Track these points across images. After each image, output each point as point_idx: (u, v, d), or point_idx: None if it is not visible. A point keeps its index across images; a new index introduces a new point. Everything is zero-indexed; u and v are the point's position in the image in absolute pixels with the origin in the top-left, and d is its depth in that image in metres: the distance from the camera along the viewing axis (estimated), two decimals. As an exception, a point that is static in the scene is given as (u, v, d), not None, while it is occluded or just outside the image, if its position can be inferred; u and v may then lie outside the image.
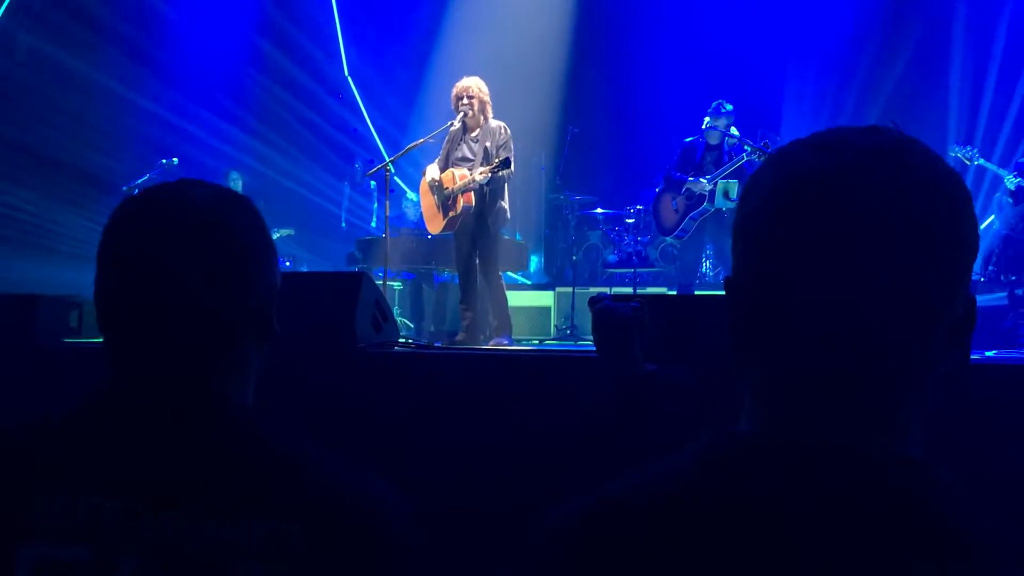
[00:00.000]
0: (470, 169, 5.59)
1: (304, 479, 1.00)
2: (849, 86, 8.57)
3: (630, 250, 8.06)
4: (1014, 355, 4.63)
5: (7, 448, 1.06)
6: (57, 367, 3.34)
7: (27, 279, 7.25)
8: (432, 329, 7.28)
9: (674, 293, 6.94)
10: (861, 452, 0.76)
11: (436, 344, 5.75)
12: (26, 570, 0.98)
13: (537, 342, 7.00)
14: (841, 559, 0.72)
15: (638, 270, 7.94)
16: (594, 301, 2.21)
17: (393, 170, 5.89)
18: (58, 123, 8.61)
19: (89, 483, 0.99)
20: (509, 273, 7.31)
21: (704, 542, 0.74)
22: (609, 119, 9.17)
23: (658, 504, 0.77)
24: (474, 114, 5.64)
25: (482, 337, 5.71)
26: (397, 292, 7.62)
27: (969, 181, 6.78)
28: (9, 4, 8.58)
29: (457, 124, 5.72)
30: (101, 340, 1.11)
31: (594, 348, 2.23)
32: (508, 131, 5.66)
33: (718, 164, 6.44)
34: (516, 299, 6.75)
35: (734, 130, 6.49)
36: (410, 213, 8.18)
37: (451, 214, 5.66)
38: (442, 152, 5.86)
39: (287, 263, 8.26)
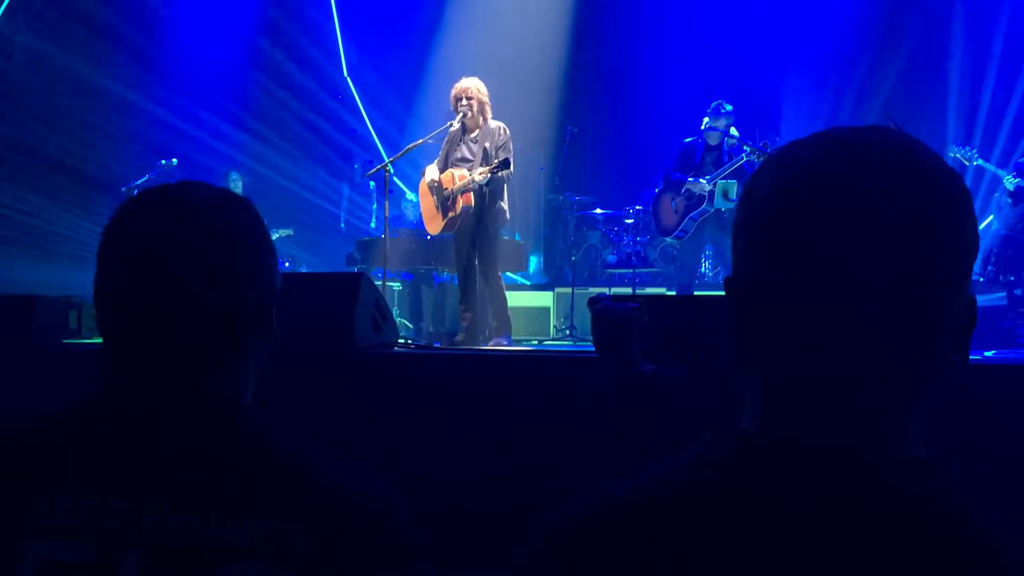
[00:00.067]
0: (469, 170, 5.59)
1: (304, 479, 1.00)
2: (848, 86, 8.58)
3: (629, 250, 8.07)
4: (1013, 355, 4.63)
5: (8, 448, 1.06)
6: (56, 367, 3.34)
7: (26, 280, 7.24)
8: (431, 330, 7.28)
9: (673, 293, 6.94)
10: (862, 452, 0.76)
11: (435, 344, 5.75)
12: (28, 570, 0.98)
13: (536, 342, 7.00)
14: (842, 559, 0.72)
15: (637, 270, 7.94)
16: (593, 301, 2.21)
17: (392, 171, 5.89)
18: (57, 124, 8.61)
19: (90, 483, 0.99)
20: (508, 273, 7.31)
21: (704, 542, 0.74)
22: (608, 119, 9.17)
23: (658, 504, 0.77)
24: (473, 115, 5.65)
25: (481, 337, 5.71)
26: (396, 293, 7.62)
27: (968, 181, 6.75)
28: (8, 5, 8.58)
29: (456, 125, 5.72)
30: (100, 341, 1.11)
31: (593, 348, 2.23)
32: (507, 131, 5.66)
33: (718, 164, 6.44)
34: (515, 299, 6.75)
35: (733, 130, 6.49)
36: (409, 214, 8.18)
37: (450, 215, 5.66)
38: (441, 153, 5.86)
39: (286, 263, 8.26)
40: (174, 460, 1.00)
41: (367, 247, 7.54)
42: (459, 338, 5.68)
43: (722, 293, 0.85)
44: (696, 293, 6.50)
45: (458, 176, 5.60)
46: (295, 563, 0.95)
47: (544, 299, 7.77)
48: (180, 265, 1.04)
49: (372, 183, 8.83)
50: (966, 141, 7.38)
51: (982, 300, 5.60)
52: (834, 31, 8.46)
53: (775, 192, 0.78)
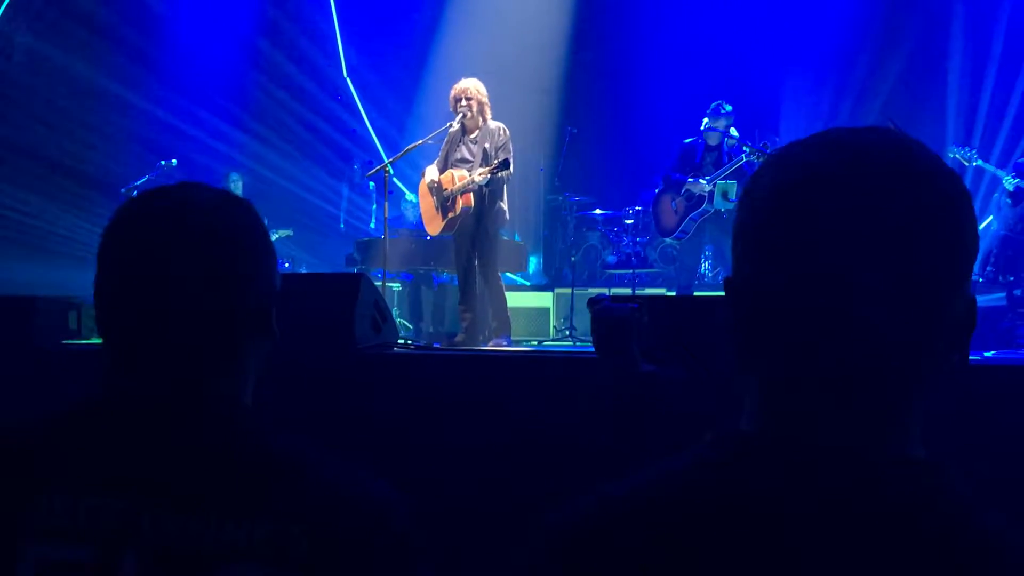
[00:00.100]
0: (469, 170, 5.59)
1: (303, 480, 1.00)
2: (847, 86, 8.58)
3: (629, 251, 8.07)
4: (1012, 355, 4.63)
5: (8, 449, 1.06)
6: (55, 368, 3.34)
7: (25, 280, 7.25)
8: (431, 330, 7.28)
9: (673, 294, 6.94)
10: (862, 453, 0.76)
11: (435, 345, 5.75)
12: (28, 570, 0.98)
13: (536, 343, 7.00)
14: (841, 561, 0.72)
15: (637, 271, 7.94)
16: (593, 302, 2.21)
17: (392, 171, 5.89)
18: (57, 124, 8.61)
19: (90, 484, 0.99)
20: (508, 274, 7.32)
21: (704, 543, 0.74)
22: (607, 120, 9.17)
23: (658, 505, 0.77)
24: (473, 115, 5.65)
25: (481, 338, 5.71)
26: (396, 293, 7.62)
27: (967, 182, 6.72)
28: (8, 5, 8.58)
29: (456, 125, 5.72)
30: (100, 341, 1.11)
31: (593, 349, 2.23)
32: (507, 132, 5.67)
33: (717, 165, 6.44)
34: (515, 300, 6.75)
35: (733, 131, 6.49)
36: (409, 214, 8.18)
37: (450, 215, 5.66)
38: (441, 153, 5.87)
39: (286, 264, 8.26)
40: (173, 461, 1.00)
41: (367, 248, 7.54)
42: (459, 339, 5.68)
43: (722, 294, 0.85)
44: (696, 294, 6.50)
45: (458, 177, 5.60)
46: (295, 564, 0.95)
47: (544, 300, 7.77)
48: (180, 266, 1.04)
49: (372, 184, 8.83)
50: (965, 141, 7.38)
51: (981, 301, 5.58)
52: (834, 32, 8.47)
53: (775, 193, 0.78)
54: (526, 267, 8.38)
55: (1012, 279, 5.87)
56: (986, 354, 4.21)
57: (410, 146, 6.03)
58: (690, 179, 6.42)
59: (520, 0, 9.21)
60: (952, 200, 0.76)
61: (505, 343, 5.54)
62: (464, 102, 5.63)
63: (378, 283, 5.34)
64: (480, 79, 5.82)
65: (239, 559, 0.95)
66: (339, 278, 4.02)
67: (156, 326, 1.05)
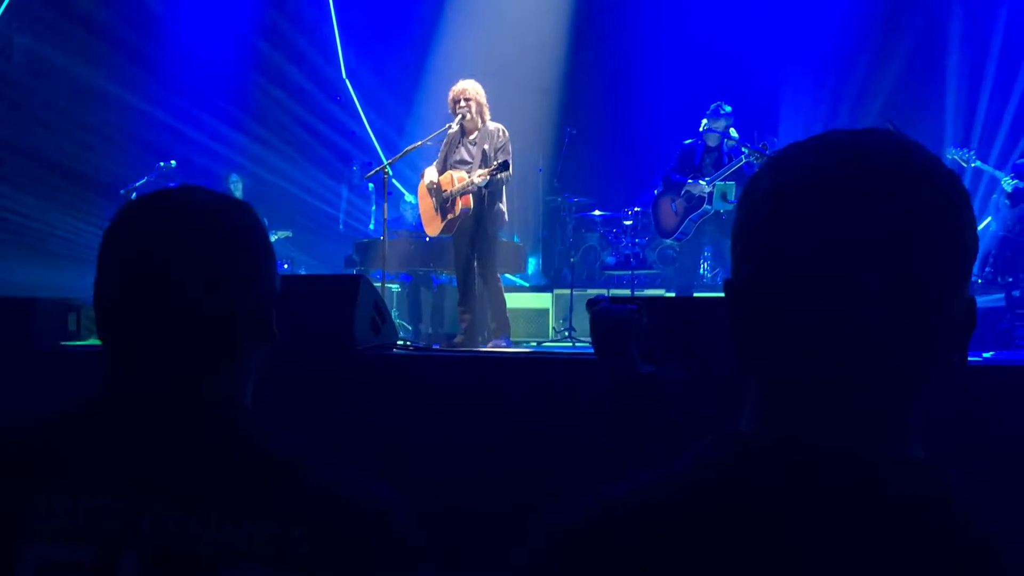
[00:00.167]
0: (468, 172, 5.59)
1: (303, 482, 1.00)
2: (846, 88, 8.59)
3: (628, 252, 8.07)
4: (1011, 356, 4.63)
5: (8, 450, 1.06)
6: (55, 370, 3.33)
7: (25, 282, 7.25)
8: (430, 331, 7.28)
9: (672, 295, 6.94)
10: (862, 454, 0.76)
11: (434, 346, 5.75)
12: (28, 571, 0.98)
13: (535, 344, 6.99)
14: (841, 562, 0.72)
15: (636, 272, 7.94)
16: (592, 303, 2.21)
17: (391, 173, 5.89)
18: (56, 126, 8.61)
19: (90, 485, 1.00)
20: (507, 275, 7.31)
21: (704, 544, 0.74)
22: (607, 121, 9.18)
23: (657, 506, 0.77)
24: (472, 116, 5.65)
25: (480, 339, 5.71)
26: (395, 294, 7.62)
27: (966, 183, 6.74)
28: (7, 6, 8.58)
29: (455, 127, 5.72)
30: (99, 343, 1.11)
31: (592, 350, 2.23)
32: (506, 133, 5.67)
33: (717, 166, 6.44)
34: (514, 301, 6.75)
35: (733, 132, 6.49)
36: (408, 215, 8.18)
37: (449, 217, 5.66)
38: (440, 155, 5.87)
39: (285, 265, 8.26)
40: (174, 462, 1.01)
41: (366, 249, 7.54)
42: (458, 340, 5.68)
43: (721, 295, 0.85)
44: (695, 295, 6.51)
45: (457, 178, 5.60)
46: (294, 565, 0.95)
47: (543, 301, 7.77)
48: (180, 268, 1.04)
49: (371, 185, 8.83)
50: (964, 142, 7.39)
51: (980, 301, 5.59)
52: (833, 33, 8.48)
53: (774, 195, 0.78)
54: (525, 268, 8.38)
55: (1011, 280, 5.88)
56: (985, 355, 4.21)
57: (409, 147, 6.03)
58: (690, 180, 6.43)
59: (519, 1, 9.21)
60: (951, 201, 0.76)
61: (504, 344, 5.54)
62: (463, 103, 5.63)
63: (377, 284, 5.34)
64: (479, 80, 5.83)
65: (239, 560, 0.95)
66: (338, 279, 4.02)
67: (156, 328, 1.05)
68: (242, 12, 9.67)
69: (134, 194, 7.38)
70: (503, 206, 5.67)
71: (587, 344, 3.58)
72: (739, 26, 8.84)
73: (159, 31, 9.42)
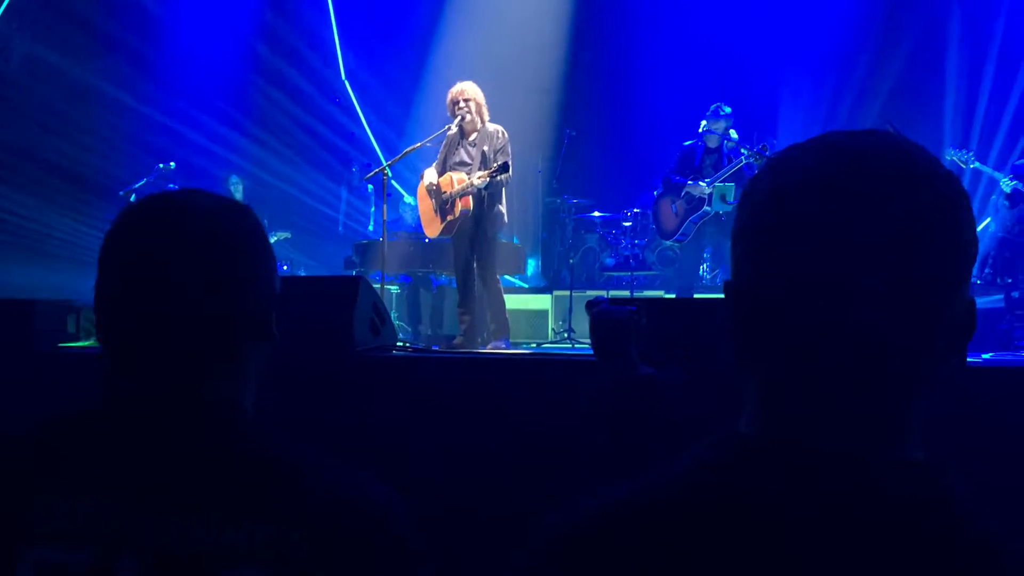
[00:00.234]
0: (468, 173, 5.59)
1: (303, 484, 1.00)
2: (846, 89, 8.59)
3: (627, 253, 8.06)
4: (1010, 357, 4.63)
5: (8, 452, 1.06)
6: (54, 371, 3.33)
7: (24, 284, 7.24)
8: (429, 332, 7.27)
9: (672, 296, 6.94)
10: (862, 456, 0.76)
11: (434, 347, 5.75)
12: (27, 573, 0.98)
13: (535, 345, 6.99)
14: (841, 564, 0.72)
15: (635, 273, 7.94)
16: (591, 304, 2.21)
17: (390, 174, 5.88)
18: (55, 128, 8.61)
19: (90, 486, 1.00)
20: (506, 276, 7.31)
21: (703, 546, 0.74)
22: (606, 122, 9.18)
23: (657, 508, 0.77)
24: (471, 118, 5.65)
25: (480, 340, 5.71)
26: (394, 296, 7.62)
27: (965, 184, 6.75)
28: (5, 8, 8.57)
29: (454, 128, 5.72)
30: (98, 345, 1.11)
31: (591, 351, 2.23)
32: (506, 135, 5.67)
33: (717, 167, 6.44)
34: (513, 302, 6.75)
35: (733, 133, 6.49)
36: (407, 217, 8.18)
37: (449, 218, 5.66)
38: (439, 156, 5.87)
39: (284, 267, 8.26)
40: (173, 464, 1.01)
41: (365, 250, 7.54)
42: (457, 341, 5.68)
43: (721, 296, 0.85)
44: (695, 296, 6.51)
45: (457, 180, 5.60)
46: (295, 567, 0.95)
47: (542, 302, 7.77)
48: (179, 271, 1.04)
49: (370, 186, 8.83)
50: (963, 144, 7.40)
51: (979, 303, 5.60)
52: (832, 34, 8.48)
53: (773, 196, 0.78)
54: (524, 269, 8.38)
55: (1010, 281, 5.88)
56: (984, 356, 4.21)
57: (408, 149, 6.03)
58: (690, 182, 6.43)
59: (519, 2, 9.21)
60: (951, 202, 0.77)
61: (504, 346, 5.54)
62: (462, 104, 5.63)
63: (376, 286, 5.34)
64: (478, 80, 5.83)
65: (239, 563, 0.95)
66: (337, 281, 4.02)
67: (156, 330, 1.05)
68: (241, 14, 9.67)
69: (133, 196, 7.39)
70: (503, 207, 5.67)
71: (586, 345, 3.58)
72: (738, 27, 8.85)
73: (158, 33, 9.43)
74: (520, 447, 2.83)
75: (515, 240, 8.22)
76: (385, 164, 5.93)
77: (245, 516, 0.96)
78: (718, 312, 2.58)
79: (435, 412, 2.99)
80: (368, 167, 8.89)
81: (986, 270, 5.98)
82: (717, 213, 6.33)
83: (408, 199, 8.24)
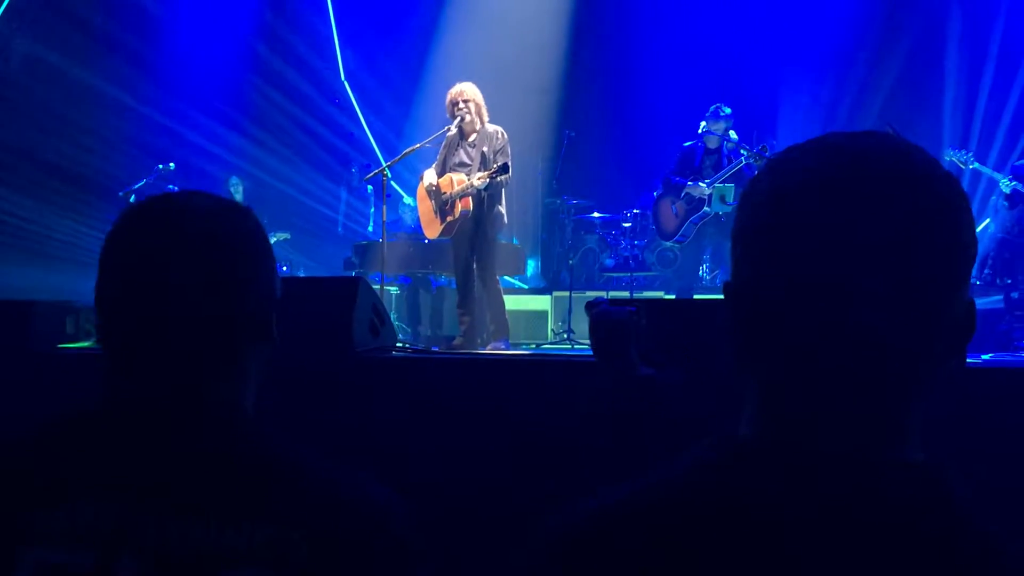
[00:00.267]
0: (467, 174, 5.60)
1: (303, 485, 1.00)
2: (845, 89, 8.60)
3: (627, 254, 8.06)
4: (1009, 358, 4.63)
5: (8, 453, 1.06)
6: (52, 372, 3.33)
7: (23, 285, 7.24)
8: (429, 333, 7.27)
9: (671, 297, 6.94)
10: (861, 457, 0.76)
11: (433, 348, 5.75)
12: (27, 574, 0.98)
13: (534, 346, 7.00)
14: (841, 565, 0.72)
15: (635, 274, 7.94)
16: (591, 305, 2.21)
17: (390, 175, 5.89)
18: (54, 128, 8.61)
19: (90, 488, 1.00)
20: (506, 277, 7.31)
21: (703, 548, 0.74)
22: (605, 123, 9.18)
23: (657, 509, 0.77)
24: (471, 118, 5.65)
25: (479, 341, 5.71)
26: (394, 297, 7.62)
27: (964, 185, 6.75)
28: (5, 9, 8.57)
29: (454, 129, 5.72)
30: (97, 346, 1.11)
31: (591, 352, 2.23)
32: (505, 136, 5.67)
33: (717, 168, 6.44)
34: (513, 303, 6.75)
35: (732, 133, 6.49)
36: (407, 218, 8.18)
37: (449, 219, 5.66)
38: (439, 157, 5.87)
39: (284, 268, 8.26)
40: (174, 466, 1.01)
41: (365, 251, 7.54)
42: (457, 342, 5.68)
43: (720, 297, 0.85)
44: (695, 297, 6.51)
45: (456, 181, 5.60)
46: (295, 568, 0.95)
47: (542, 303, 7.77)
48: (179, 272, 1.04)
49: (370, 187, 8.83)
50: (963, 144, 7.40)
51: (979, 304, 5.60)
52: (831, 34, 8.49)
53: (773, 198, 0.78)
54: (524, 270, 8.38)
55: (1009, 282, 5.88)
56: (984, 357, 4.21)
57: (408, 149, 6.03)
58: (690, 182, 6.43)
59: (518, 3, 9.22)
60: (950, 204, 0.77)
61: (503, 346, 5.54)
62: (462, 105, 5.63)
63: (376, 286, 5.34)
64: (477, 81, 5.83)
65: (239, 563, 0.95)
66: (337, 282, 4.02)
67: (156, 331, 1.05)
68: (240, 15, 9.67)
69: (133, 196, 7.40)
70: (502, 208, 5.67)
71: (586, 346, 3.59)
72: (738, 27, 8.85)
73: (158, 34, 9.43)
74: (520, 448, 2.83)
75: (515, 241, 8.22)
76: (384, 165, 5.93)
77: (245, 517, 0.96)
78: (718, 313, 2.58)
79: (435, 413, 2.99)
80: (367, 168, 8.89)
81: (985, 271, 5.98)
82: (717, 214, 6.34)
83: (408, 200, 8.24)
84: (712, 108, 6.50)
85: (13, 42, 8.76)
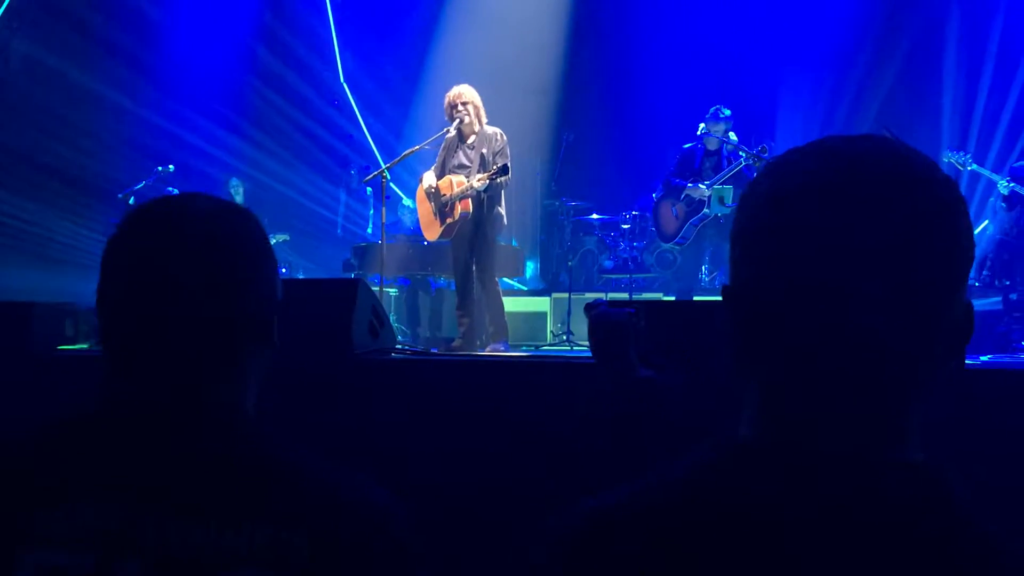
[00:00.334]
0: (467, 176, 5.60)
1: (303, 487, 1.00)
2: (844, 91, 8.60)
3: (626, 256, 8.06)
4: (1008, 360, 4.64)
5: (8, 455, 1.06)
6: (51, 374, 3.33)
7: (23, 286, 7.24)
8: (428, 335, 7.27)
9: (671, 299, 6.95)
10: (861, 458, 0.76)
11: (432, 350, 5.75)
12: (26, 577, 0.98)
13: (533, 348, 7.00)
14: (841, 566, 0.72)
15: (634, 276, 7.94)
16: (590, 307, 2.21)
17: (389, 177, 5.89)
18: (54, 130, 8.61)
19: (90, 490, 1.00)
20: (505, 279, 7.32)
21: (704, 549, 0.74)
22: (604, 124, 9.18)
23: (657, 511, 0.78)
24: (470, 120, 5.65)
25: (478, 343, 5.71)
26: (393, 298, 7.62)
27: (963, 186, 6.80)
28: (4, 11, 8.57)
29: (452, 131, 5.73)
30: (95, 348, 1.12)
31: (590, 354, 2.23)
32: (504, 137, 5.67)
33: (717, 169, 6.45)
34: (512, 305, 6.75)
35: (732, 135, 6.50)
36: (406, 219, 8.18)
37: (448, 221, 5.67)
38: (438, 160, 5.87)
39: (283, 269, 8.26)
40: (174, 468, 1.01)
41: (364, 253, 7.54)
42: (456, 344, 5.68)
43: (719, 298, 0.86)
44: (695, 298, 6.52)
45: (456, 182, 5.61)
46: (295, 570, 0.95)
47: (541, 304, 7.77)
48: (182, 274, 1.05)
49: (369, 189, 8.83)
50: (961, 145, 7.40)
51: (977, 305, 5.61)
52: (830, 36, 8.49)
53: (772, 201, 0.78)
54: (523, 272, 8.38)
55: (1008, 283, 5.88)
56: (982, 358, 4.21)
57: (407, 151, 6.04)
58: (690, 184, 6.43)
59: (517, 4, 9.23)
60: (948, 207, 0.77)
61: (502, 348, 5.54)
62: (460, 107, 5.64)
63: (375, 288, 5.33)
64: (476, 82, 5.84)
65: (240, 565, 0.95)
66: (336, 283, 4.02)
67: (156, 333, 1.05)
68: (240, 17, 9.68)
69: (132, 198, 7.39)
70: (502, 210, 5.68)
71: (585, 348, 3.60)
72: (737, 29, 8.86)
73: (157, 36, 9.43)
74: (519, 450, 2.83)
75: (513, 242, 8.22)
76: (384, 167, 5.94)
77: (246, 518, 0.96)
78: (716, 315, 2.59)
79: (434, 415, 2.99)
80: (367, 170, 8.89)
81: (984, 272, 5.98)
82: (716, 216, 6.34)
83: (407, 202, 8.25)
84: (712, 110, 6.50)
85: (12, 44, 8.76)
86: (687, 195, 6.44)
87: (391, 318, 5.00)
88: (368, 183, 7.99)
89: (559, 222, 8.54)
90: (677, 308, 4.01)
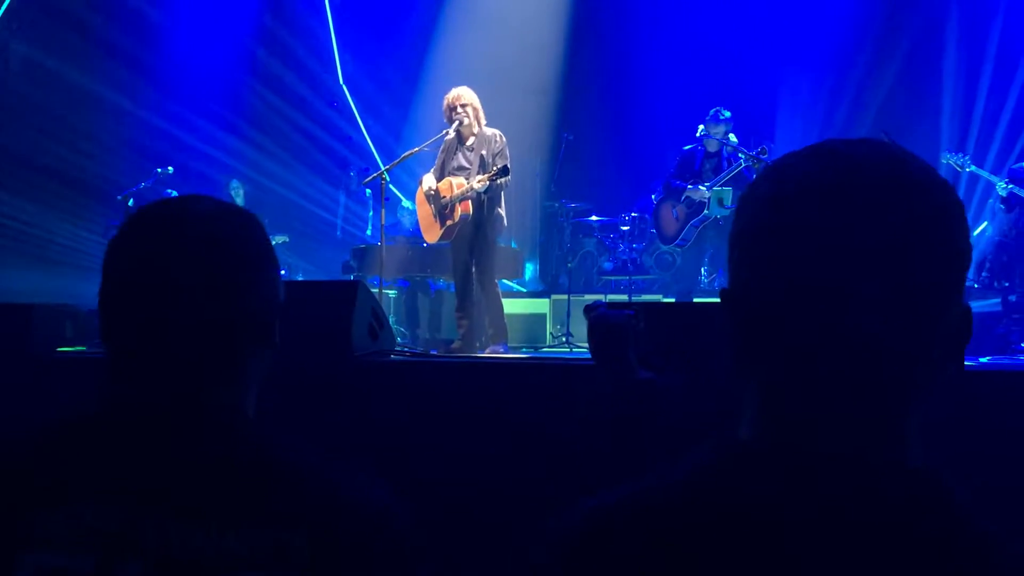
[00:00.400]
0: (467, 178, 5.60)
1: (304, 488, 1.00)
2: (843, 92, 8.61)
3: (625, 257, 8.06)
4: (1007, 361, 4.64)
5: (8, 456, 1.06)
6: (51, 376, 3.33)
7: (23, 288, 7.23)
8: (428, 337, 7.27)
9: (670, 301, 6.95)
10: (860, 461, 0.76)
11: (432, 352, 5.75)
12: (27, 578, 0.98)
13: (532, 350, 6.99)
14: (840, 567, 0.73)
15: (633, 277, 7.94)
16: (589, 309, 2.21)
17: (388, 178, 5.89)
18: (53, 132, 8.61)
19: (91, 492, 1.00)
20: (504, 280, 7.32)
21: (703, 550, 0.74)
22: (604, 126, 9.18)
23: (657, 512, 0.78)
24: (469, 122, 5.66)
25: (478, 345, 5.71)
26: (392, 300, 7.62)
27: (961, 188, 6.81)
28: (3, 13, 8.57)
29: (451, 133, 5.73)
30: (94, 349, 1.12)
31: (590, 356, 2.24)
32: (503, 138, 5.67)
33: (717, 171, 6.45)
34: (511, 307, 6.75)
35: (732, 137, 6.50)
36: (405, 221, 8.18)
37: (448, 223, 5.67)
38: (437, 162, 5.87)
39: (282, 271, 8.23)
40: (174, 470, 1.01)
41: (363, 255, 7.54)
42: (455, 345, 5.68)
43: (718, 300, 0.86)
44: (694, 300, 6.52)
45: (456, 184, 5.61)
46: (296, 571, 0.95)
47: (540, 306, 7.77)
48: (184, 276, 1.05)
49: (368, 191, 8.83)
50: (960, 146, 7.41)
51: (976, 306, 5.62)
52: (830, 37, 8.50)
53: (770, 204, 0.79)
54: (522, 274, 8.38)
55: (1007, 285, 5.89)
56: (981, 360, 4.22)
57: (406, 153, 6.04)
58: (690, 186, 6.44)
59: (517, 5, 9.23)
60: (946, 210, 0.77)
61: (502, 350, 5.54)
62: (460, 109, 5.64)
63: (375, 290, 5.33)
64: (476, 83, 5.84)
65: (241, 567, 0.95)
66: (336, 285, 4.03)
67: (157, 335, 1.05)
68: (239, 18, 9.68)
69: (131, 200, 7.39)
70: (502, 211, 5.68)
71: (584, 350, 3.60)
72: (736, 30, 8.86)
73: (157, 37, 9.43)
74: (518, 451, 2.83)
75: (513, 244, 8.22)
76: (383, 168, 5.94)
77: (246, 520, 0.97)
78: (716, 316, 2.59)
79: (433, 416, 3.00)
80: (366, 171, 8.89)
81: (983, 274, 5.99)
82: (716, 217, 6.35)
83: (406, 203, 8.25)
84: (712, 112, 6.50)
85: (12, 45, 8.76)
86: (687, 197, 6.45)
87: (390, 320, 5.00)
88: (367, 185, 7.99)
89: (559, 224, 8.54)
90: (676, 310, 4.01)
